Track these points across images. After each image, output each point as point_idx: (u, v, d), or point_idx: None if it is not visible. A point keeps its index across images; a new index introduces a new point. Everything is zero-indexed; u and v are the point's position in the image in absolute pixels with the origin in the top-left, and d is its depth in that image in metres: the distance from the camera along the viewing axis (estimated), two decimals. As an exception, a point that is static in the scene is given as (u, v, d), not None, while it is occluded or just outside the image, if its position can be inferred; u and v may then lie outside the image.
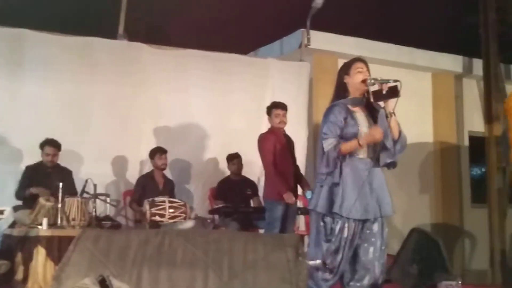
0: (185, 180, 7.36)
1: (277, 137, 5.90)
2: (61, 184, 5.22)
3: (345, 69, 3.85)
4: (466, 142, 10.90)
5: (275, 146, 5.80)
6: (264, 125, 6.51)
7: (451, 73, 10.74)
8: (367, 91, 3.72)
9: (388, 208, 3.80)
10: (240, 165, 7.06)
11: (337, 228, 3.67)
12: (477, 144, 10.50)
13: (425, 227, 9.08)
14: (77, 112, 6.85)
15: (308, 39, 8.78)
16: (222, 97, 7.65)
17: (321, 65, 9.34)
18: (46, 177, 6.07)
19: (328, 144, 3.67)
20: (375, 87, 3.67)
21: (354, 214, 3.64)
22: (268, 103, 6.24)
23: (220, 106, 7.61)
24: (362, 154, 3.75)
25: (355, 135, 3.68)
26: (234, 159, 7.05)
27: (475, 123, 10.74)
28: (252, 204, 6.93)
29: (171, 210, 5.73)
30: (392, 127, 3.72)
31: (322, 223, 3.73)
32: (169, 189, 6.65)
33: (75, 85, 6.85)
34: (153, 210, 5.67)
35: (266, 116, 6.14)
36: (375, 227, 3.77)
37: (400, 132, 3.80)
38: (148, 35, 7.37)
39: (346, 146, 3.66)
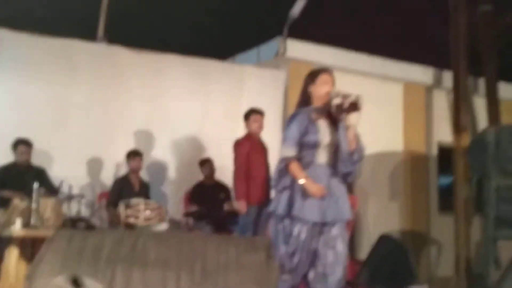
0: (161, 183, 7.34)
1: (252, 142, 5.92)
2: (36, 184, 5.16)
3: (311, 78, 3.93)
4: (435, 152, 11.06)
5: (250, 151, 5.82)
6: (240, 131, 6.54)
7: (422, 84, 10.90)
8: (330, 103, 3.79)
9: (346, 212, 3.86)
10: (212, 169, 7.08)
11: (295, 230, 3.71)
12: (446, 154, 10.66)
13: (394, 234, 9.18)
14: (54, 114, 6.78)
15: (285, 48, 8.85)
16: (199, 102, 7.66)
17: (297, 74, 9.38)
18: (20, 177, 6.00)
19: (285, 154, 3.75)
20: (338, 101, 3.75)
21: (312, 217, 3.69)
22: (243, 110, 6.27)
23: (197, 111, 7.61)
24: (322, 160, 3.81)
25: (316, 143, 3.76)
26: (205, 163, 7.10)
27: (444, 133, 10.89)
28: (225, 208, 6.94)
29: (146, 212, 5.70)
30: (350, 139, 3.78)
31: (281, 226, 3.77)
32: (144, 191, 6.63)
33: (52, 86, 6.79)
34: (128, 211, 5.64)
35: (242, 122, 6.16)
36: (334, 231, 3.81)
37: (358, 145, 3.85)
38: (127, 39, 7.32)
39: (294, 171, 3.73)
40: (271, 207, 3.86)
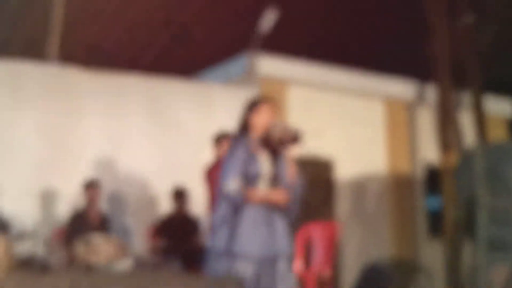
0: (122, 216, 7.28)
1: None
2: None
3: (251, 107, 4.01)
4: (421, 172, 11.19)
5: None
6: (208, 156, 6.54)
7: (403, 100, 11.05)
8: (270, 134, 3.91)
9: (285, 247, 3.95)
10: (186, 202, 7.06)
11: (239, 266, 3.77)
12: (433, 174, 10.80)
13: (380, 262, 9.26)
14: (3, 143, 6.70)
15: (255, 64, 8.92)
16: (162, 125, 7.66)
17: (268, 90, 9.46)
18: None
19: (232, 184, 3.79)
20: (278, 133, 3.88)
21: (251, 251, 3.77)
22: (211, 131, 6.27)
23: (160, 135, 7.61)
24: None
25: (256, 175, 3.86)
26: (182, 195, 7.04)
27: (430, 152, 11.04)
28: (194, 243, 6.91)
29: (105, 248, 5.65)
30: (290, 172, 3.92)
31: (221, 264, 3.82)
32: (104, 225, 6.57)
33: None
34: (87, 249, 5.58)
35: (210, 146, 6.17)
36: (280, 266, 3.89)
37: (297, 179, 3.99)
38: (82, 59, 7.32)
39: (251, 196, 3.81)
40: (209, 243, 3.91)
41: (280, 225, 3.95)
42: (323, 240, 6.83)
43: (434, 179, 10.64)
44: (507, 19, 12.02)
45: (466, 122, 10.73)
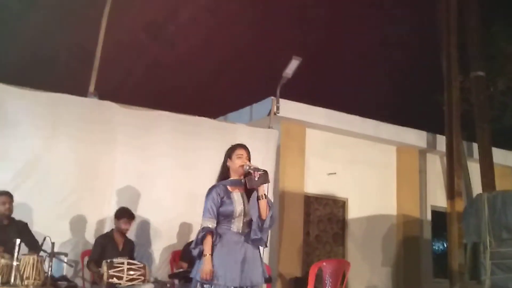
0: (146, 242, 7.21)
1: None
2: (18, 240, 5.05)
3: (228, 153, 4.34)
4: (429, 217, 11.03)
5: None
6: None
7: (415, 147, 10.98)
8: (245, 175, 4.20)
9: (259, 278, 4.18)
10: None
11: None
12: (439, 219, 10.63)
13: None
14: (38, 167, 6.71)
15: (278, 107, 8.94)
16: (189, 160, 7.61)
17: (289, 133, 9.47)
18: (2, 231, 5.87)
19: (206, 223, 4.10)
20: (250, 173, 4.15)
21: (228, 282, 3.99)
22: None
23: (186, 169, 7.56)
24: (236, 228, 4.17)
25: (231, 213, 4.13)
26: None
27: (438, 198, 10.90)
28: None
29: (130, 272, 5.58)
30: (261, 208, 4.15)
31: None
32: (128, 250, 6.49)
33: (38, 140, 6.74)
34: (111, 271, 5.52)
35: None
36: None
37: (269, 213, 4.19)
38: (118, 95, 7.37)
39: (205, 244, 4.08)
40: (192, 274, 4.16)
41: (253, 257, 4.17)
42: (334, 276, 6.68)
43: (440, 223, 10.47)
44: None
45: (474, 170, 10.59)
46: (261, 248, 4.29)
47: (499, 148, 11.41)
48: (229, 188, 4.21)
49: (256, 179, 4.10)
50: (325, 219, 9.97)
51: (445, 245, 10.61)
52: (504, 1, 13.23)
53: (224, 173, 4.31)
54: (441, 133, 10.60)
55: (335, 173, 9.84)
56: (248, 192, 4.22)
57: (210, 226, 4.08)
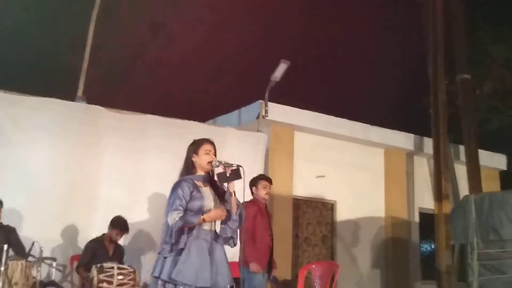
0: (136, 246, 7.17)
1: (259, 208, 5.89)
2: (5, 246, 5.00)
3: (194, 148, 4.17)
4: (417, 219, 11.06)
5: (257, 216, 5.78)
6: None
7: (403, 150, 11.01)
8: (213, 171, 4.10)
9: (225, 279, 4.00)
10: None
11: None
12: (427, 221, 10.67)
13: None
14: (25, 171, 6.65)
15: (266, 111, 8.96)
16: (178, 163, 7.57)
17: (277, 136, 9.47)
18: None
19: (173, 218, 3.86)
20: (220, 169, 4.04)
21: (191, 281, 3.80)
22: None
23: (176, 173, 7.52)
24: (207, 226, 3.98)
25: (201, 208, 3.95)
26: None
27: (426, 200, 10.94)
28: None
29: (120, 277, 5.55)
30: (232, 206, 4.03)
31: None
32: (118, 255, 6.46)
33: (26, 145, 6.69)
34: (101, 276, 5.49)
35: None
36: None
37: (238, 211, 4.09)
38: (107, 99, 7.33)
39: (193, 220, 3.88)
40: (154, 272, 3.92)
41: (221, 256, 4.00)
42: (323, 278, 6.68)
43: (428, 225, 10.51)
44: (502, 77, 12.06)
45: (461, 173, 10.65)
46: (226, 247, 4.12)
47: (485, 150, 11.48)
48: (197, 183, 4.03)
49: (228, 175, 3.97)
50: (314, 222, 9.97)
51: (433, 247, 10.65)
52: (490, 4, 13.34)
53: (189, 168, 4.12)
54: (428, 135, 10.64)
55: (323, 176, 9.84)
56: (216, 189, 4.09)
57: (178, 216, 3.84)
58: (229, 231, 4.06)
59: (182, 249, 3.83)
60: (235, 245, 4.17)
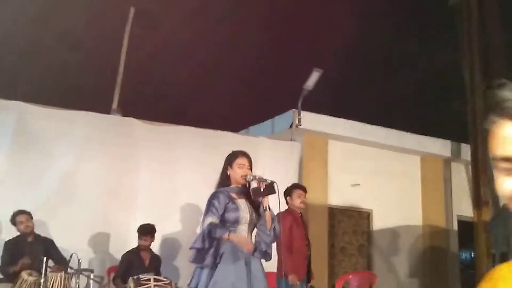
0: (172, 257, 7.24)
1: (294, 217, 5.89)
2: (45, 258, 5.11)
3: (229, 161, 4.19)
4: (455, 227, 10.88)
5: (292, 226, 5.78)
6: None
7: (439, 157, 10.86)
8: (249, 183, 4.07)
9: None
10: None
11: None
12: (466, 229, 10.48)
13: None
14: (64, 185, 6.79)
15: (299, 120, 8.94)
16: (211, 174, 7.61)
17: (311, 145, 9.45)
18: (28, 249, 5.94)
19: (208, 221, 3.89)
20: (254, 184, 4.01)
21: None
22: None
23: (209, 183, 7.57)
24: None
25: (236, 220, 3.95)
26: None
27: (464, 207, 10.75)
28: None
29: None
30: (267, 220, 4.02)
31: None
32: (155, 266, 6.52)
33: (63, 157, 6.84)
34: (137, 287, 5.54)
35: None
36: None
37: (272, 226, 4.05)
38: (141, 111, 7.43)
39: (220, 232, 3.89)
40: (191, 284, 3.92)
41: (258, 269, 3.97)
42: (360, 288, 6.62)
43: (467, 233, 10.32)
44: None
45: (500, 179, 10.42)
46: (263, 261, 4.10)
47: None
48: (232, 195, 4.05)
49: (262, 190, 3.96)
50: (349, 231, 9.90)
51: (473, 256, 10.45)
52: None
53: (224, 181, 4.16)
54: (466, 141, 10.48)
55: (359, 184, 9.77)
56: (252, 203, 4.08)
57: (214, 221, 3.88)
58: (264, 245, 4.04)
59: (217, 262, 3.83)
60: (270, 259, 4.15)
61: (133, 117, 7.46)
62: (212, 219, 3.90)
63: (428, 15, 14.96)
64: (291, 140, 8.72)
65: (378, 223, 10.01)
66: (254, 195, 4.02)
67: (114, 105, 7.61)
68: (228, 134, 8.17)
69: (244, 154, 4.20)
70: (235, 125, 10.17)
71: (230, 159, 4.19)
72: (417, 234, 10.38)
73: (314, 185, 9.31)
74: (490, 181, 10.21)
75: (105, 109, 7.57)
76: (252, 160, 7.99)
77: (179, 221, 7.33)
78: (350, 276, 6.82)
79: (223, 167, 4.21)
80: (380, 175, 10.14)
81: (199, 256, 3.88)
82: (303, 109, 9.04)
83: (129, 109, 7.59)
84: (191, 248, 3.92)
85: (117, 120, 7.46)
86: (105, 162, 7.07)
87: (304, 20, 18.51)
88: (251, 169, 4.15)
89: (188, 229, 7.24)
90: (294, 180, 8.21)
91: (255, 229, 4.10)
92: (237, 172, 4.09)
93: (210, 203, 4.02)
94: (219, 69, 17.94)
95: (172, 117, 7.79)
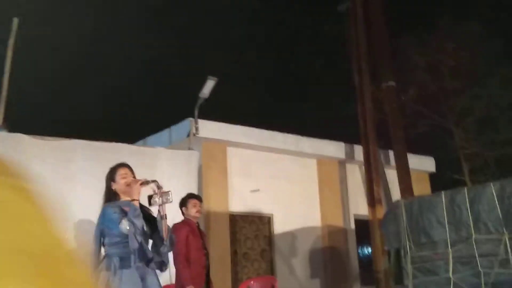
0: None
1: (191, 227, 5.81)
2: None
3: (111, 176, 4.04)
4: (353, 225, 11.26)
5: (188, 237, 5.70)
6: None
7: (335, 159, 11.21)
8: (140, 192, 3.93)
9: None
10: None
11: None
12: (363, 227, 10.88)
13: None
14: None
15: (197, 128, 8.93)
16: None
17: (210, 153, 9.46)
18: None
19: (125, 225, 3.74)
20: (151, 191, 3.94)
21: None
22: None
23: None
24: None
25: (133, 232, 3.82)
26: None
27: (360, 206, 11.16)
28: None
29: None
30: (164, 229, 3.94)
31: None
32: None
33: None
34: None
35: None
36: None
37: (168, 235, 3.99)
38: (30, 126, 7.12)
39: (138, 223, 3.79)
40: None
41: (154, 282, 3.90)
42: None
43: (364, 231, 10.71)
44: (424, 82, 12.51)
45: (392, 177, 10.94)
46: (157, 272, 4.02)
47: (414, 154, 11.84)
48: (124, 208, 3.88)
49: (158, 198, 3.92)
50: (251, 237, 9.99)
51: (370, 252, 10.87)
52: (410, 13, 13.85)
53: (111, 198, 3.98)
54: (359, 143, 10.89)
55: (258, 190, 9.89)
56: (145, 213, 3.94)
57: (128, 224, 3.72)
58: (160, 256, 3.96)
59: (115, 280, 3.72)
60: (166, 269, 4.10)
61: (21, 133, 7.13)
62: (126, 221, 3.74)
63: (319, 19, 15.44)
64: (189, 149, 8.67)
65: (279, 227, 10.17)
66: (150, 203, 3.96)
67: (-1, 120, 7.23)
68: (124, 146, 8.00)
69: (124, 165, 4.07)
70: (132, 136, 10.01)
71: (111, 174, 4.03)
72: (316, 235, 10.65)
73: (215, 193, 9.33)
74: (383, 180, 10.69)
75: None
76: (151, 170, 7.90)
77: (73, 238, 7.07)
78: (252, 282, 6.88)
79: (106, 184, 4.04)
80: (279, 180, 10.32)
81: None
82: (200, 117, 9.04)
83: (17, 125, 7.24)
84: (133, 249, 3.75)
85: (4, 137, 7.09)
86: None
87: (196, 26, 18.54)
88: (135, 177, 4.02)
89: (82, 246, 7.01)
90: (193, 189, 8.15)
91: (150, 240, 4.03)
92: (121, 183, 3.95)
93: (107, 216, 3.86)
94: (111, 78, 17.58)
95: (64, 131, 7.52)
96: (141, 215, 3.83)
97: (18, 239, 0.74)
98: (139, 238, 3.74)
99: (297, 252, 10.30)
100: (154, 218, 4.00)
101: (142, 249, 3.79)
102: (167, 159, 8.19)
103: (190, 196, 6.07)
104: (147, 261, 3.90)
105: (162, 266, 4.01)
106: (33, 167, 7.02)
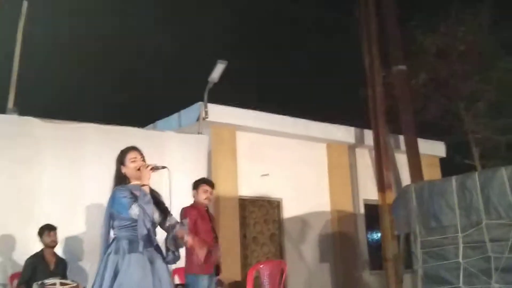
0: (79, 258, 7.02)
1: (199, 212, 5.82)
2: None
3: (120, 160, 4.04)
4: (362, 210, 11.25)
5: (197, 221, 5.71)
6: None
7: (344, 143, 11.18)
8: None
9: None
10: None
11: None
12: (373, 212, 10.87)
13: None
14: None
15: (206, 112, 8.92)
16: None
17: (219, 137, 9.46)
18: None
19: (135, 211, 3.75)
20: (160, 177, 3.98)
21: None
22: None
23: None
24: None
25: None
26: None
27: (369, 191, 11.14)
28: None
29: (62, 292, 5.42)
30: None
31: None
32: (61, 269, 6.30)
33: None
34: (42, 292, 5.34)
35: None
36: None
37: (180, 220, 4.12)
38: (41, 110, 7.13)
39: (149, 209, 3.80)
40: (95, 286, 3.76)
41: (162, 266, 3.90)
42: (272, 277, 6.70)
43: (374, 216, 10.70)
44: (435, 67, 12.40)
45: (402, 162, 10.90)
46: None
47: (424, 138, 11.78)
48: (134, 192, 3.87)
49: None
50: (261, 221, 10.01)
51: (380, 236, 10.86)
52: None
53: (122, 181, 3.97)
54: (369, 127, 10.85)
55: (268, 174, 9.89)
56: (154, 198, 3.95)
57: (138, 210, 3.72)
58: (171, 245, 3.96)
59: (120, 264, 3.72)
60: (178, 259, 4.06)
61: (32, 117, 7.15)
62: (135, 206, 3.75)
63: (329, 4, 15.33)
64: (198, 133, 8.68)
65: (288, 211, 10.18)
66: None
67: (10, 104, 7.24)
68: (134, 130, 8.01)
69: (134, 148, 4.07)
70: (142, 120, 10.02)
71: (121, 157, 4.02)
72: (325, 220, 10.65)
73: (224, 177, 9.34)
74: (393, 165, 10.65)
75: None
76: (160, 155, 7.90)
77: (84, 221, 7.11)
78: (261, 266, 6.88)
79: (116, 167, 4.03)
80: (288, 164, 10.31)
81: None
82: (209, 102, 9.02)
83: (26, 109, 7.25)
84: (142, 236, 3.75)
85: (14, 120, 7.11)
86: (3, 164, 6.74)
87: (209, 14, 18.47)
88: (144, 161, 4.02)
89: (93, 229, 7.04)
90: (203, 173, 8.17)
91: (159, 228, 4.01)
92: (131, 167, 3.96)
93: (117, 199, 3.84)
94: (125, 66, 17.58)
95: (74, 115, 7.54)
96: (152, 201, 3.84)
97: None
98: (148, 225, 3.73)
99: (306, 236, 10.32)
100: (164, 204, 4.00)
101: (149, 236, 3.78)
102: (177, 143, 8.21)
103: (203, 181, 6.05)
104: (156, 247, 3.90)
105: (175, 259, 4.01)
106: (44, 150, 7.06)
